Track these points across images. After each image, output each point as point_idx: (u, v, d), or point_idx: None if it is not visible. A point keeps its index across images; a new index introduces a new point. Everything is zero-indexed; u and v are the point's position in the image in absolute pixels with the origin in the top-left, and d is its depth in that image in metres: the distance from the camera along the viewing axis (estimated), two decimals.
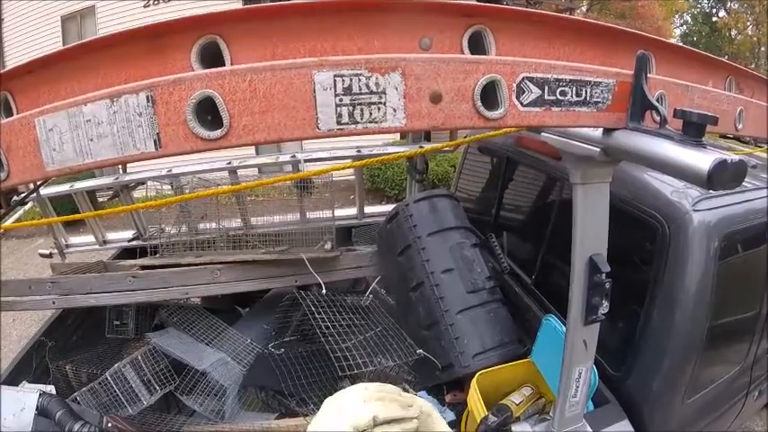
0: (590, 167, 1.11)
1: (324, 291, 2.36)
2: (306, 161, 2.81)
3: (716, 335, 1.82)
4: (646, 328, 1.76)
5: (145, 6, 10.11)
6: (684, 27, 34.67)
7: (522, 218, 2.90)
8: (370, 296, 2.45)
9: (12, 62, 11.25)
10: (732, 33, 31.70)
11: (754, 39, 30.60)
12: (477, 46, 0.81)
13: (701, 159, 0.79)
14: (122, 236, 3.20)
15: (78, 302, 2.30)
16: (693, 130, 0.84)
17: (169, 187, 2.99)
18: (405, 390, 0.93)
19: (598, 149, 1.01)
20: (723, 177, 0.79)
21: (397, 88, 0.68)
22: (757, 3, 28.15)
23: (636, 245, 1.89)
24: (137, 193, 3.17)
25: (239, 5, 9.77)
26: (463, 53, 0.80)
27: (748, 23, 30.79)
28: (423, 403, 0.86)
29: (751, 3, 29.08)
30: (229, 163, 2.83)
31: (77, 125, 0.69)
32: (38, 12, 10.94)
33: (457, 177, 3.53)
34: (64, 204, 4.02)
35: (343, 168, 1.33)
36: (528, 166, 2.63)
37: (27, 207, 6.29)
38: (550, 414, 1.68)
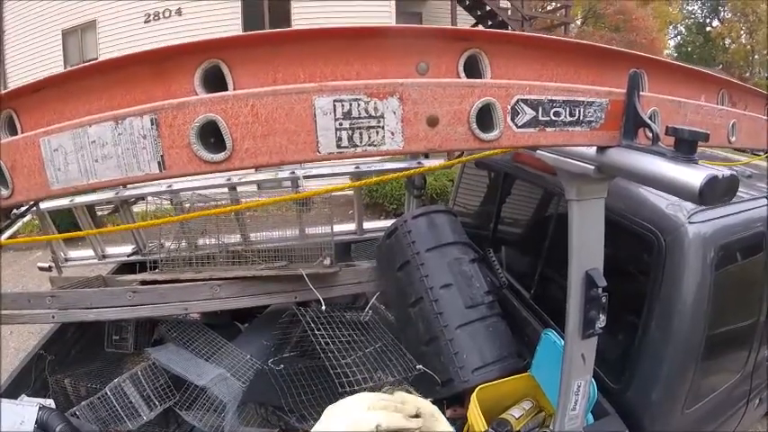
0: (585, 184, 1.13)
1: (323, 306, 2.36)
2: (305, 177, 2.83)
3: (714, 344, 1.84)
4: (644, 339, 1.77)
5: (146, 22, 10.19)
6: (679, 38, 34.95)
7: (519, 232, 2.91)
8: (370, 312, 2.45)
9: (12, 73, 11.34)
10: (726, 42, 31.93)
11: (748, 47, 30.83)
12: (472, 69, 0.83)
13: (693, 175, 0.80)
14: (121, 250, 3.20)
15: (78, 317, 2.31)
16: (685, 146, 0.85)
17: (169, 203, 3.00)
18: (407, 391, 0.93)
19: (592, 167, 1.03)
20: (715, 193, 0.80)
21: (395, 112, 0.69)
22: (750, 11, 28.41)
23: (633, 258, 1.91)
24: (136, 208, 3.18)
25: (239, 27, 9.97)
26: (459, 77, 0.81)
27: (742, 32, 31.03)
28: (426, 405, 0.86)
29: (744, 12, 29.35)
30: (229, 179, 2.85)
31: (82, 146, 0.70)
32: (39, 25, 11.04)
33: (455, 192, 3.55)
34: (63, 217, 4.02)
35: (342, 189, 1.35)
36: (525, 181, 2.65)
37: (26, 219, 6.28)
38: (550, 427, 1.69)
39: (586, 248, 1.21)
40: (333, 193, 2.70)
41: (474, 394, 1.83)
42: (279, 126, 0.67)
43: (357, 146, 0.70)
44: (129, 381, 2.13)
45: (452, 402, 2.11)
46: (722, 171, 0.81)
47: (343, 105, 0.68)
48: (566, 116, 0.83)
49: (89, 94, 0.80)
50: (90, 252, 3.16)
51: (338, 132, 0.69)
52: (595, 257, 1.22)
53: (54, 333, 2.45)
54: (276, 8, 10.53)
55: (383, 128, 0.70)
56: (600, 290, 1.21)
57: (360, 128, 0.69)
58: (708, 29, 32.91)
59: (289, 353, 2.45)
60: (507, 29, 10.90)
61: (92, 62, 0.80)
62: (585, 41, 0.99)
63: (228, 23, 10.13)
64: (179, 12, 10.17)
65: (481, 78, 0.83)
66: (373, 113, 0.69)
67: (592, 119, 0.87)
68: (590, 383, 1.47)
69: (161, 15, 10.20)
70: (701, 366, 1.80)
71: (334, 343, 2.08)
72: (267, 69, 0.76)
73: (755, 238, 1.98)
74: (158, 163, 0.68)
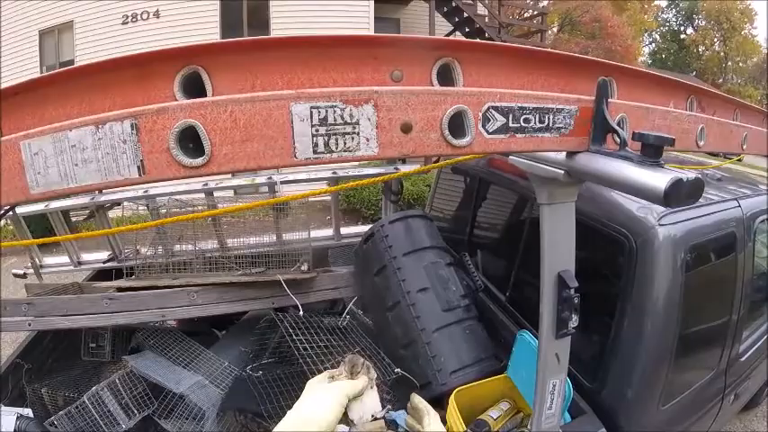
0: (555, 188, 1.16)
1: (301, 312, 2.35)
2: (282, 183, 2.83)
3: (687, 343, 1.88)
4: (618, 339, 1.81)
5: (123, 23, 10.08)
6: (653, 45, 35.67)
7: (494, 236, 2.95)
8: (348, 317, 2.45)
9: None
10: (700, 50, 32.69)
11: (722, 54, 31.61)
12: (445, 77, 0.85)
13: (658, 178, 0.83)
14: (97, 257, 3.16)
15: (55, 324, 2.27)
16: (651, 151, 0.88)
17: (145, 208, 2.97)
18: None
19: (562, 171, 1.06)
20: (679, 195, 0.82)
21: (369, 119, 0.71)
22: (724, 19, 29.15)
23: (605, 260, 1.95)
24: (112, 214, 3.15)
25: (217, 29, 9.91)
26: (432, 85, 0.84)
27: (715, 40, 31.81)
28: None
29: (718, 20, 30.10)
30: (206, 185, 2.83)
31: (62, 150, 0.69)
32: (15, 25, 10.83)
33: (431, 197, 3.59)
34: (38, 223, 3.95)
35: (319, 193, 1.36)
36: (500, 186, 2.69)
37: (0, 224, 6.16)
38: (528, 427, 1.72)
39: (558, 250, 1.24)
40: (310, 199, 2.72)
41: (452, 396, 1.85)
42: (257, 132, 0.68)
43: (333, 151, 0.71)
44: (107, 389, 2.10)
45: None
46: (686, 174, 0.83)
47: (319, 112, 0.69)
48: (535, 123, 0.85)
49: (69, 99, 0.80)
50: (65, 258, 3.12)
51: (315, 138, 0.70)
52: (567, 259, 1.25)
53: (30, 341, 2.42)
54: (255, 11, 10.51)
55: (358, 134, 0.72)
56: (572, 290, 1.24)
57: (336, 134, 0.71)
58: (682, 36, 33.68)
59: (267, 359, 2.44)
60: (484, 36, 11.03)
61: (72, 66, 0.81)
62: (556, 50, 1.02)
63: (207, 26, 10.08)
64: (157, 14, 10.08)
65: (454, 86, 0.86)
66: (349, 120, 0.71)
67: (561, 125, 0.89)
68: (565, 382, 1.50)
69: (139, 17, 10.10)
70: (675, 364, 1.85)
71: (312, 348, 2.08)
72: (246, 76, 0.77)
73: (727, 238, 2.04)
74: (138, 167, 0.69)
